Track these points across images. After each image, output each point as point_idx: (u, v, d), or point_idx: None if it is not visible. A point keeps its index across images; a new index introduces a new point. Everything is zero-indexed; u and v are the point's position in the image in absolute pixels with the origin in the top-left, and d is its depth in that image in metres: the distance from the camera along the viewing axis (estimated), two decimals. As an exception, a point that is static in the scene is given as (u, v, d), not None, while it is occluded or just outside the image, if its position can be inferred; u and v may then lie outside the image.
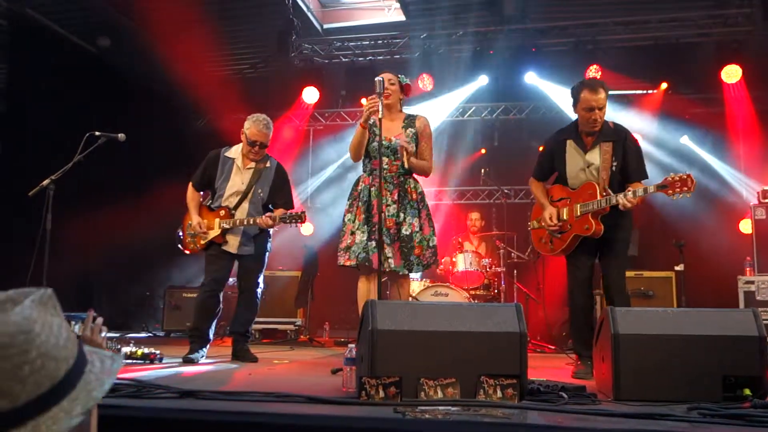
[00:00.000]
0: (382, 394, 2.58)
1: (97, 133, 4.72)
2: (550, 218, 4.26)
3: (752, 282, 6.66)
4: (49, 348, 1.10)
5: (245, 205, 4.89)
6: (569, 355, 5.37)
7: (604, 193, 4.06)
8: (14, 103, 7.60)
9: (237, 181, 4.93)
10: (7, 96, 7.70)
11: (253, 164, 4.95)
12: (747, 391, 2.74)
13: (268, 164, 5.01)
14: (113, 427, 2.30)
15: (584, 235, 4.11)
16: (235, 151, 5.02)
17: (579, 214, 4.13)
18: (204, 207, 5.02)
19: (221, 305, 4.92)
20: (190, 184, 5.07)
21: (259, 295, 5.00)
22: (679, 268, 6.82)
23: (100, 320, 2.06)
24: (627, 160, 4.14)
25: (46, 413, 1.09)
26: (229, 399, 2.65)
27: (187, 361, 4.58)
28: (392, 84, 4.47)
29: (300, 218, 4.81)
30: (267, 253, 5.06)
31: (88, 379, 1.18)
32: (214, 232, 4.88)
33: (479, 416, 2.32)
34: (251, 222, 4.80)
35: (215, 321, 4.92)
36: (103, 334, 2.07)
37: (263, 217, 4.78)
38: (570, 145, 4.27)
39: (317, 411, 2.46)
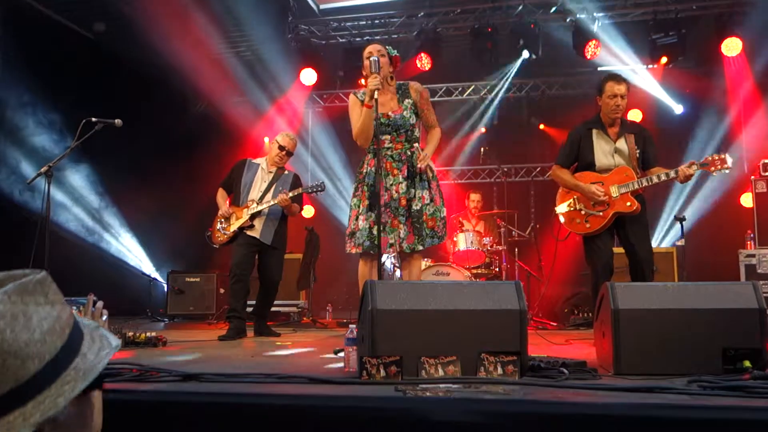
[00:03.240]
0: (383, 373, 2.59)
1: (93, 119, 4.72)
2: (597, 190, 4.59)
3: (753, 255, 6.66)
4: (12, 345, 0.99)
5: (268, 197, 5.64)
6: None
7: (639, 174, 4.59)
8: (9, 90, 7.57)
9: (260, 180, 5.74)
10: (1, 82, 7.66)
11: (274, 169, 5.77)
12: (747, 363, 2.75)
13: (286, 171, 5.85)
14: (115, 411, 2.31)
15: (625, 211, 4.55)
16: (260, 159, 5.90)
17: (617, 194, 4.57)
18: (233, 206, 5.75)
19: (249, 287, 5.60)
20: (219, 187, 5.85)
21: (278, 287, 5.86)
22: (680, 242, 6.82)
23: (100, 304, 2.06)
24: (647, 149, 4.71)
25: (4, 417, 0.99)
26: (232, 381, 2.66)
27: (224, 339, 5.21)
28: (382, 55, 4.25)
29: (321, 187, 5.62)
30: (284, 246, 5.83)
31: (67, 379, 1.07)
32: (243, 219, 5.57)
33: (480, 393, 2.33)
34: (274, 202, 5.48)
35: (246, 300, 5.61)
36: (104, 318, 2.07)
37: (280, 195, 5.44)
38: (596, 132, 4.72)
39: (319, 391, 2.47)
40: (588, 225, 4.65)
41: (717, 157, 4.45)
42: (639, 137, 4.70)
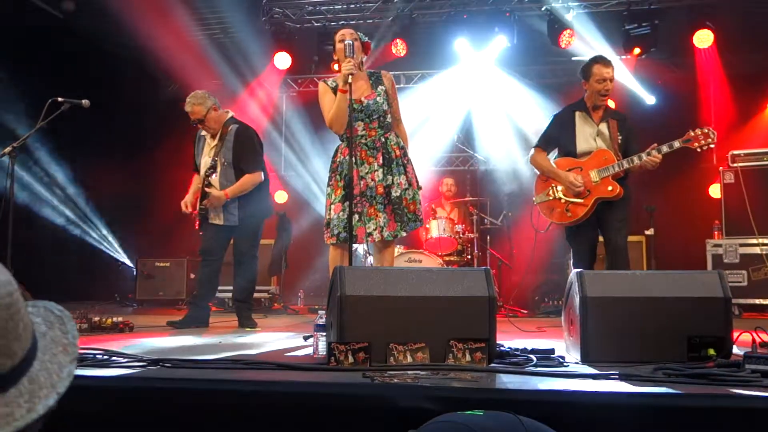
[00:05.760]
0: (351, 359, 2.58)
1: (60, 99, 4.60)
2: (575, 180, 4.47)
3: (720, 245, 6.76)
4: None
5: (216, 178, 5.01)
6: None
7: (619, 158, 4.45)
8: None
9: (206, 156, 5.09)
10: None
11: (216, 138, 5.07)
12: (711, 351, 2.79)
13: (231, 127, 5.09)
14: (78, 397, 2.27)
15: (607, 197, 4.43)
16: None
17: (598, 179, 4.45)
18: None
19: (216, 273, 5.14)
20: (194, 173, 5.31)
21: (253, 263, 5.25)
22: (650, 232, 6.89)
23: None
24: (631, 138, 4.57)
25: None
26: (197, 367, 2.63)
27: (173, 325, 4.88)
28: (355, 39, 4.19)
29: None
30: (255, 220, 5.19)
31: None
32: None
33: (448, 380, 2.33)
34: (206, 204, 4.95)
35: (213, 287, 5.20)
36: None
37: (210, 197, 4.91)
38: (579, 115, 4.62)
39: (286, 377, 2.45)
40: (569, 214, 4.52)
41: (700, 132, 4.31)
42: (622, 125, 4.59)
